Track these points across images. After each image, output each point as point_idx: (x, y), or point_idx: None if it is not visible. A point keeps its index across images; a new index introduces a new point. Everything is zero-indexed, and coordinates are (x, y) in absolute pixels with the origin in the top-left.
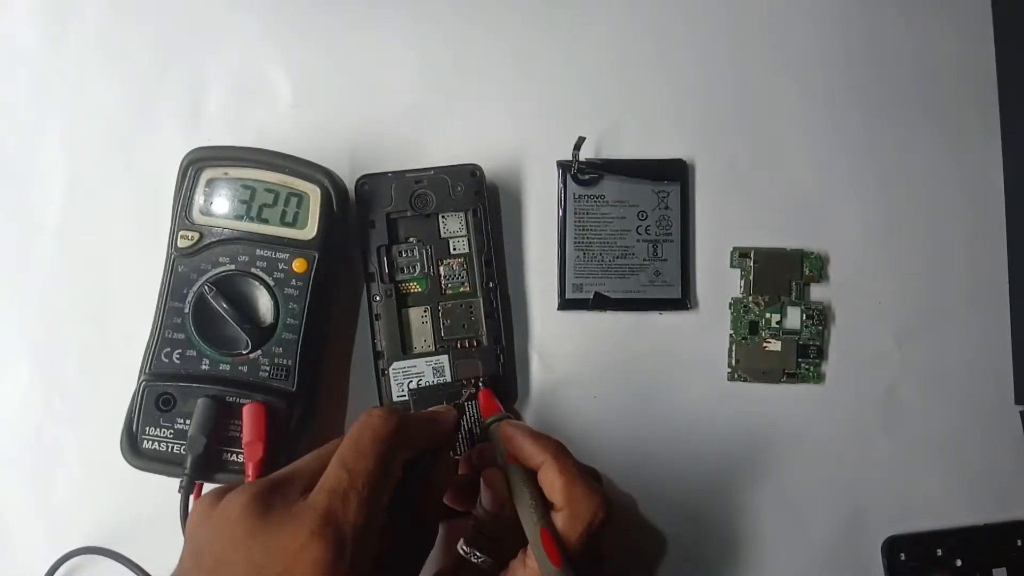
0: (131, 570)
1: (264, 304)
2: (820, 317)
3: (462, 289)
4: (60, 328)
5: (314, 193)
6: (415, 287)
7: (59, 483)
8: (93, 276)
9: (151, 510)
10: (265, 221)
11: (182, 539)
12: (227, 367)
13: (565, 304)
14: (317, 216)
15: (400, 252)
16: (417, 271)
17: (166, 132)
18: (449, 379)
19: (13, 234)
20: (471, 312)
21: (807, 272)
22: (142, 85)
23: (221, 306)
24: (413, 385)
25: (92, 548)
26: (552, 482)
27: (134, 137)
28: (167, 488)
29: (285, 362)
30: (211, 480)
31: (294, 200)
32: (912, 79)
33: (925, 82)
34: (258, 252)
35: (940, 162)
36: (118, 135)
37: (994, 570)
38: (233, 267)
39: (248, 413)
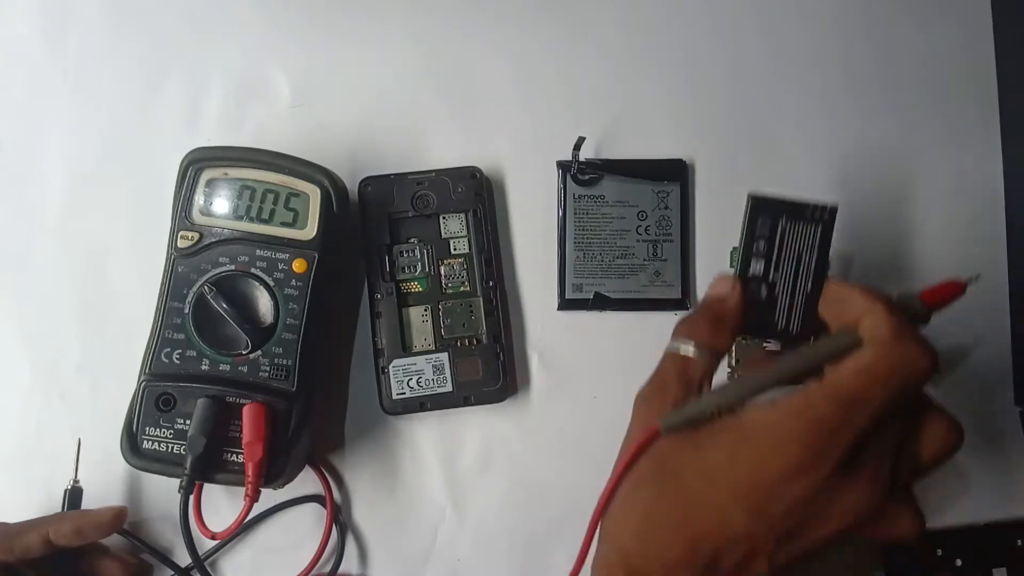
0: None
1: (264, 304)
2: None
3: (462, 288)
4: (60, 328)
5: (314, 193)
6: (416, 286)
7: (59, 482)
8: (93, 276)
9: (151, 510)
10: (265, 221)
11: (180, 538)
12: (227, 367)
13: (565, 304)
14: (317, 216)
15: (401, 252)
16: (418, 271)
17: (166, 132)
18: (449, 376)
19: (13, 234)
20: (471, 311)
21: None
22: (142, 85)
23: (221, 306)
24: (412, 383)
25: None
26: (877, 324)
27: (134, 137)
28: (167, 488)
29: (285, 362)
30: (211, 480)
31: (294, 200)
32: (911, 78)
33: (924, 81)
34: (258, 252)
35: (940, 162)
36: (118, 135)
37: (994, 570)
38: (233, 267)
39: (248, 414)
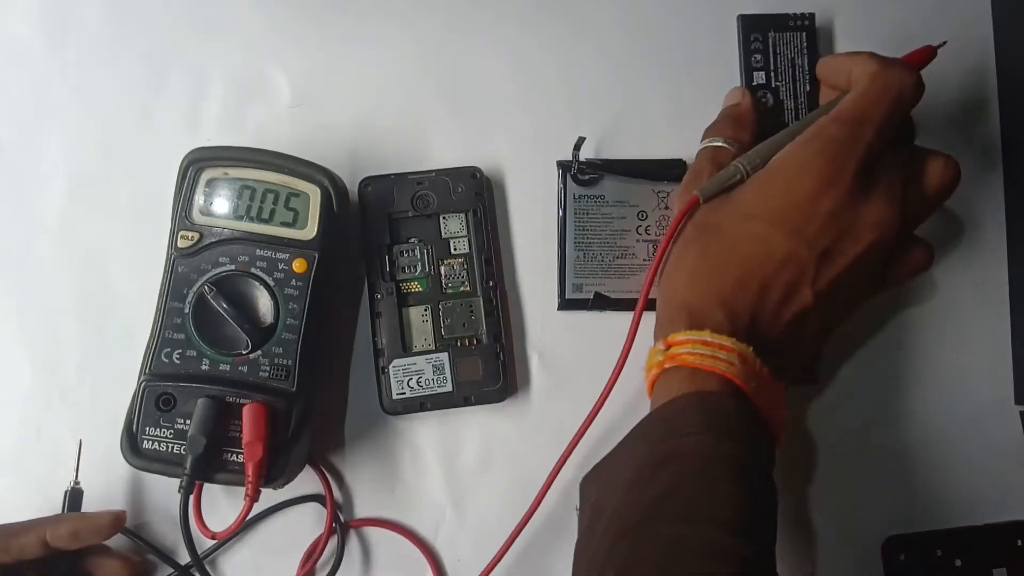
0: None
1: (264, 304)
2: None
3: (462, 288)
4: (60, 328)
5: (314, 193)
6: (416, 286)
7: (59, 483)
8: (93, 276)
9: (151, 510)
10: (265, 221)
11: (180, 538)
12: (227, 367)
13: (565, 304)
14: (317, 216)
15: (401, 252)
16: (418, 271)
17: (166, 132)
18: (449, 376)
19: (13, 234)
20: (471, 311)
21: None
22: (142, 85)
23: (221, 306)
24: (412, 383)
25: None
26: (865, 64)
27: (134, 137)
28: (168, 488)
29: (285, 362)
30: (211, 480)
31: (294, 200)
32: None
33: (924, 81)
34: (258, 252)
35: None
36: (118, 135)
37: (994, 570)
38: (233, 267)
39: (248, 414)
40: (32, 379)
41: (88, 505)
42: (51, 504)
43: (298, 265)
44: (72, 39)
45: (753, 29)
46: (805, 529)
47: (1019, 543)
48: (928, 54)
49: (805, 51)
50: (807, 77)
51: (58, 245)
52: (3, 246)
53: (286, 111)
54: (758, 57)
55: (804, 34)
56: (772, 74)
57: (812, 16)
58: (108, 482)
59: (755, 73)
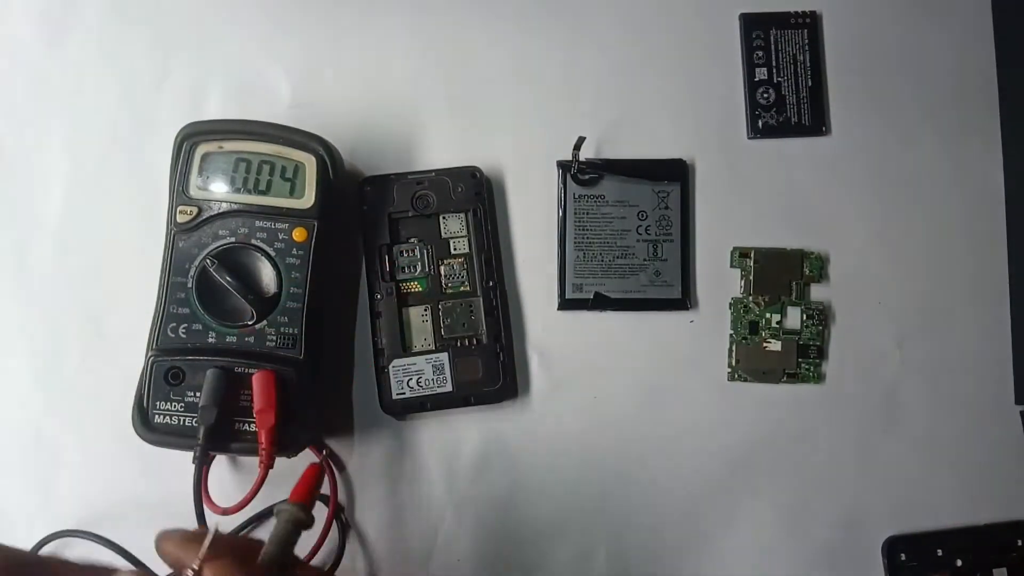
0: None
1: (267, 275)
2: (820, 317)
3: (462, 288)
4: (60, 326)
5: (309, 162)
6: (416, 286)
7: (59, 482)
8: (93, 274)
9: (151, 506)
10: (263, 192)
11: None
12: (233, 339)
13: (565, 304)
14: (314, 184)
15: (401, 252)
16: (418, 270)
17: (165, 131)
18: (449, 376)
19: (13, 233)
20: (471, 311)
21: (807, 272)
22: (142, 85)
23: (224, 279)
24: (412, 383)
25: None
26: None
27: (134, 136)
28: (167, 485)
29: (291, 331)
30: (225, 451)
31: (290, 170)
32: (912, 78)
33: (925, 81)
34: (257, 224)
35: (940, 162)
36: (118, 134)
37: (995, 570)
38: (234, 240)
39: (258, 381)
40: (32, 377)
41: (83, 506)
42: (49, 504)
43: (298, 234)
44: (72, 39)
45: (755, 27)
46: (807, 529)
47: (1020, 543)
48: (316, 472)
49: (807, 47)
50: (809, 73)
51: (58, 244)
52: (3, 245)
53: (286, 111)
54: (760, 54)
55: (806, 31)
56: (774, 70)
57: (814, 13)
58: (108, 481)
59: (757, 69)
